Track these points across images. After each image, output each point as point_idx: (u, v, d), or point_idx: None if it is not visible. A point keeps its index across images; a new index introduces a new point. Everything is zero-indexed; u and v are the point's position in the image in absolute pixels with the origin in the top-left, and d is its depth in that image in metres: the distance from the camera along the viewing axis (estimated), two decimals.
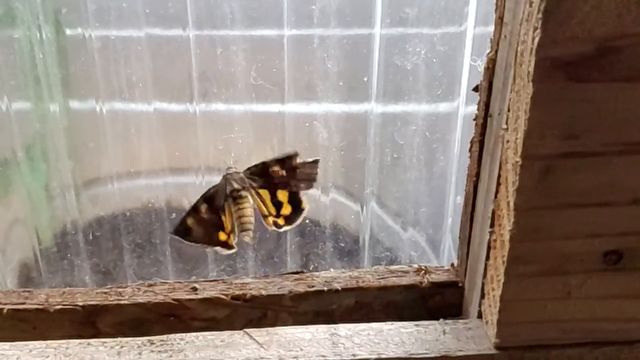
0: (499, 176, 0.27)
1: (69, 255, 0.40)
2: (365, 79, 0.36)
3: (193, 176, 0.38)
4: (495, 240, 0.28)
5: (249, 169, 0.35)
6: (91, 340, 0.30)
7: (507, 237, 0.26)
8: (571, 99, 0.23)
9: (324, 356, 0.28)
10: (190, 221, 0.34)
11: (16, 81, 0.35)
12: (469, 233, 0.32)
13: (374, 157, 0.38)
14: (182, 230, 0.34)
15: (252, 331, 0.30)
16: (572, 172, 0.25)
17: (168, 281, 0.34)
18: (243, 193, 0.34)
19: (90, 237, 0.39)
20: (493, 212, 0.28)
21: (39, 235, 0.39)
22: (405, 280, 0.33)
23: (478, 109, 0.29)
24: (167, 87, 0.36)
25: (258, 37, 0.35)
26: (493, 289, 0.29)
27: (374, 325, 0.30)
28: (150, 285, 0.33)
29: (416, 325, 0.30)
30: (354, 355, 0.29)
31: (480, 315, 0.31)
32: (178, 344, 0.29)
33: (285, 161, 0.34)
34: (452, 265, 0.34)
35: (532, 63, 0.23)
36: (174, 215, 0.39)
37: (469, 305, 0.32)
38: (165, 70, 0.36)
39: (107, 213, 0.39)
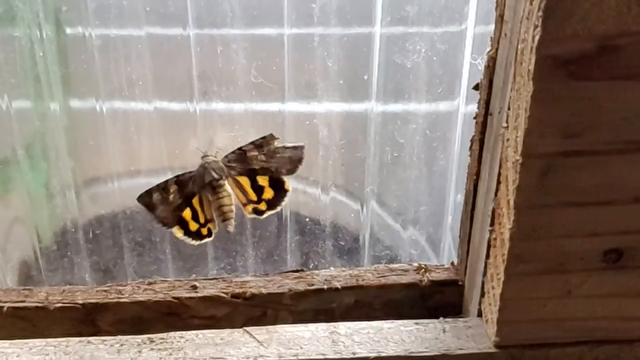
0: (499, 174, 0.27)
1: (69, 253, 0.40)
2: (366, 78, 0.36)
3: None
4: (495, 239, 0.28)
5: (226, 156, 0.34)
6: (91, 338, 0.30)
7: (507, 235, 0.26)
8: (571, 97, 0.23)
9: (323, 354, 0.29)
10: (156, 196, 0.33)
11: (16, 79, 0.35)
12: (469, 231, 0.32)
13: (374, 156, 0.38)
14: (146, 201, 0.33)
15: (252, 329, 0.30)
16: (573, 170, 0.25)
17: (168, 279, 0.34)
18: (222, 182, 0.34)
19: (90, 236, 0.39)
20: (493, 211, 0.28)
21: (39, 233, 0.39)
22: (405, 279, 0.33)
23: (478, 108, 0.29)
24: (168, 85, 0.36)
25: (258, 36, 0.35)
26: (493, 288, 0.29)
27: (374, 323, 0.30)
28: (150, 284, 0.33)
29: (416, 323, 0.30)
30: (353, 353, 0.29)
31: (480, 314, 0.31)
32: (178, 342, 0.29)
33: (263, 145, 0.34)
34: (452, 263, 0.34)
35: (533, 61, 0.23)
36: None
37: (469, 304, 0.32)
38: (166, 68, 0.36)
39: (107, 211, 0.39)
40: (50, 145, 0.37)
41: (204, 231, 0.34)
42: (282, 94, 0.36)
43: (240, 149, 0.34)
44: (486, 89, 0.28)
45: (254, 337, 0.30)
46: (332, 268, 0.35)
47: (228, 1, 0.34)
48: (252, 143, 0.34)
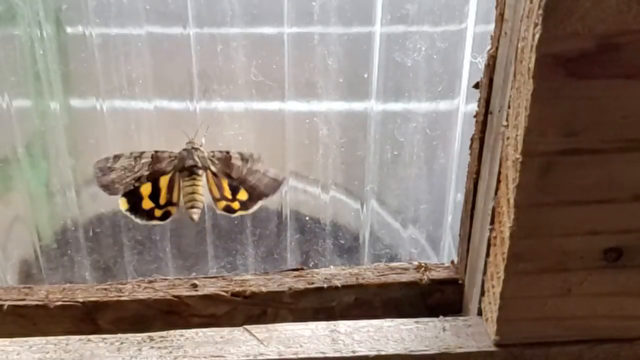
0: (499, 173, 0.27)
1: (69, 251, 0.40)
2: (366, 76, 0.36)
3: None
4: (495, 238, 0.28)
5: (212, 152, 0.34)
6: (91, 337, 0.30)
7: (507, 234, 0.26)
8: (571, 95, 0.23)
9: (323, 353, 0.29)
10: (122, 162, 0.33)
11: (16, 78, 0.35)
12: (469, 230, 0.32)
13: (374, 155, 0.38)
14: (104, 166, 0.33)
15: (252, 328, 0.30)
16: (573, 169, 0.25)
17: (168, 278, 0.34)
18: (200, 171, 0.33)
19: (91, 234, 0.39)
20: (493, 209, 0.28)
21: (39, 232, 0.39)
22: (405, 278, 0.33)
23: (478, 106, 0.29)
24: (168, 84, 0.36)
25: (258, 35, 0.35)
26: (493, 286, 0.29)
27: (374, 322, 0.30)
28: (150, 282, 0.33)
29: (416, 322, 0.30)
30: (353, 351, 0.29)
31: (480, 313, 0.31)
32: (178, 340, 0.29)
33: (248, 161, 0.34)
34: (452, 262, 0.34)
35: (533, 59, 0.23)
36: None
37: (469, 303, 0.32)
38: (166, 67, 0.36)
39: (108, 210, 0.39)
40: (51, 144, 0.37)
41: (158, 213, 0.34)
42: (282, 93, 0.36)
43: (227, 152, 0.34)
44: (486, 87, 0.28)
45: (254, 336, 0.30)
46: (332, 267, 0.35)
47: (228, 0, 0.34)
48: (240, 153, 0.34)
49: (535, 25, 0.22)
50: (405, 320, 0.31)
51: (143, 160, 0.33)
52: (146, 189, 0.33)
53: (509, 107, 0.26)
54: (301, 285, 0.33)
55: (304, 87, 0.36)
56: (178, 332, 0.30)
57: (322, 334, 0.30)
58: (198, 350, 0.29)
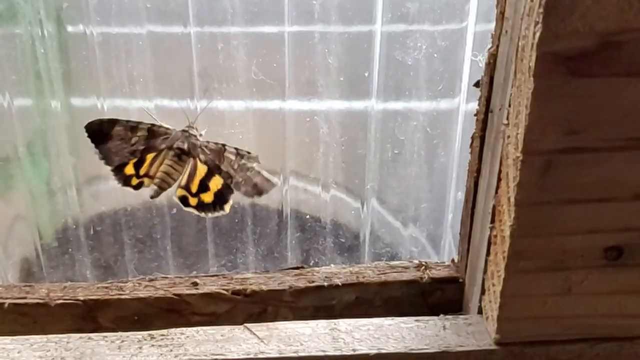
0: (500, 172, 0.27)
1: (70, 250, 0.40)
2: (366, 75, 0.36)
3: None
4: (495, 236, 0.28)
5: (207, 141, 0.34)
6: (92, 335, 0.30)
7: (507, 232, 0.26)
8: (572, 94, 0.23)
9: (324, 351, 0.29)
10: (117, 129, 0.33)
11: (17, 77, 0.35)
12: (469, 229, 0.32)
13: (375, 153, 0.38)
14: (98, 129, 0.33)
15: (252, 326, 0.30)
16: (573, 167, 0.25)
17: (169, 276, 0.34)
18: (184, 157, 0.33)
19: (91, 232, 0.39)
20: (494, 208, 0.28)
21: (40, 230, 0.39)
22: (405, 276, 0.33)
23: (479, 105, 0.29)
24: (168, 83, 0.36)
25: (259, 33, 0.35)
26: (493, 285, 0.29)
27: (374, 320, 0.30)
28: (151, 280, 0.33)
29: (416, 320, 0.30)
30: (354, 350, 0.29)
31: (480, 311, 0.31)
32: (178, 338, 0.29)
33: (243, 157, 0.33)
34: (453, 261, 0.34)
35: (533, 58, 0.23)
36: (174, 210, 0.39)
37: (469, 301, 0.32)
38: (167, 66, 0.36)
39: (108, 209, 0.39)
40: (52, 143, 0.37)
41: (135, 181, 0.34)
42: (282, 92, 0.36)
43: (223, 145, 0.34)
44: (487, 86, 0.28)
45: (255, 334, 0.30)
46: (332, 265, 0.35)
47: None
48: (236, 149, 0.34)
49: (536, 23, 0.22)
50: (405, 318, 0.31)
51: (139, 133, 0.33)
52: (134, 160, 0.34)
53: (509, 106, 0.26)
54: (302, 283, 0.33)
55: (304, 86, 0.36)
56: (179, 330, 0.30)
57: (322, 332, 0.30)
58: (199, 348, 0.29)
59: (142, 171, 0.34)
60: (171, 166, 0.33)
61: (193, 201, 0.34)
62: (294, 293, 0.33)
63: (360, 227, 0.40)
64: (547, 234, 0.26)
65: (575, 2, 0.22)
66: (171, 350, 0.29)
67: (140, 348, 0.29)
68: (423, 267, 0.34)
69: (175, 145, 0.33)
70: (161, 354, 0.28)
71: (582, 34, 0.22)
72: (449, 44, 0.35)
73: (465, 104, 0.36)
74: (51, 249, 0.39)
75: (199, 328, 0.30)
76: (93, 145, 0.34)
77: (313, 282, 0.33)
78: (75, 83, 0.36)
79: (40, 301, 0.32)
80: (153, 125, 0.34)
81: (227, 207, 0.34)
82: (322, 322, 0.30)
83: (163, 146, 0.33)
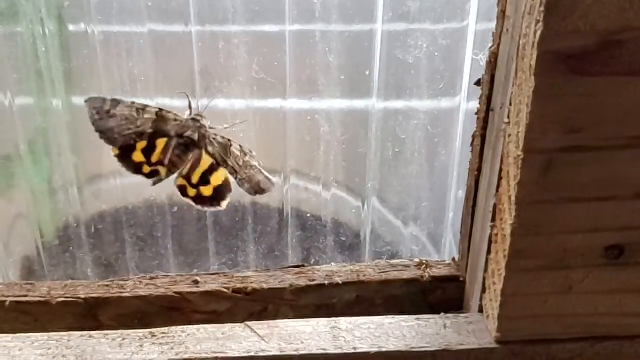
0: (501, 170, 0.27)
1: (71, 248, 0.40)
2: (367, 74, 0.36)
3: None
4: (496, 235, 0.28)
5: (215, 134, 0.33)
6: (93, 333, 0.30)
7: (508, 231, 0.26)
8: (573, 92, 0.23)
9: (324, 349, 0.29)
10: (121, 109, 0.32)
11: (19, 76, 0.35)
12: (470, 227, 0.32)
13: (376, 152, 0.38)
14: (101, 107, 0.32)
15: (253, 324, 0.30)
16: (574, 166, 0.25)
17: (170, 274, 0.34)
18: (192, 147, 0.33)
19: (93, 231, 0.39)
20: (494, 206, 0.28)
21: (41, 228, 0.39)
22: (406, 275, 0.33)
23: (480, 103, 0.29)
24: (169, 82, 0.36)
25: (260, 32, 0.35)
26: (494, 283, 0.29)
27: (375, 319, 0.30)
28: (152, 278, 0.33)
29: (417, 319, 0.30)
30: (354, 348, 0.29)
31: (481, 310, 0.31)
32: (179, 336, 0.29)
33: (247, 155, 0.33)
34: (454, 259, 0.34)
35: (534, 56, 0.23)
36: (175, 209, 0.39)
37: (470, 300, 0.32)
38: (168, 65, 0.36)
39: (109, 207, 0.39)
40: (53, 142, 0.37)
41: (147, 169, 0.33)
42: (283, 90, 0.36)
43: (229, 140, 0.34)
44: (488, 84, 0.28)
45: (255, 332, 0.30)
46: (333, 264, 0.35)
47: None
48: (240, 146, 0.34)
49: (537, 22, 0.22)
50: (406, 317, 0.31)
51: (146, 116, 0.32)
52: (142, 145, 0.33)
53: (510, 104, 0.26)
54: (302, 282, 0.33)
55: (305, 85, 0.36)
56: (179, 328, 0.30)
57: (323, 330, 0.30)
58: (199, 346, 0.29)
59: (155, 158, 0.33)
60: (179, 155, 0.33)
61: (191, 192, 0.33)
62: (294, 291, 0.33)
63: (361, 226, 0.40)
64: (548, 232, 0.26)
65: (577, 1, 0.22)
66: (172, 349, 0.29)
67: (141, 346, 0.29)
68: (424, 266, 0.34)
69: (186, 134, 0.33)
70: (162, 352, 0.28)
71: (583, 33, 0.22)
72: (450, 43, 0.35)
73: (466, 103, 0.36)
74: (52, 247, 0.40)
75: (199, 326, 0.30)
76: (92, 121, 0.32)
77: (314, 280, 0.33)
78: (77, 82, 0.36)
79: (42, 299, 0.32)
80: (161, 109, 0.33)
81: (224, 204, 0.34)
82: (323, 321, 0.30)
83: (172, 133, 0.33)
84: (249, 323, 0.30)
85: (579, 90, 0.23)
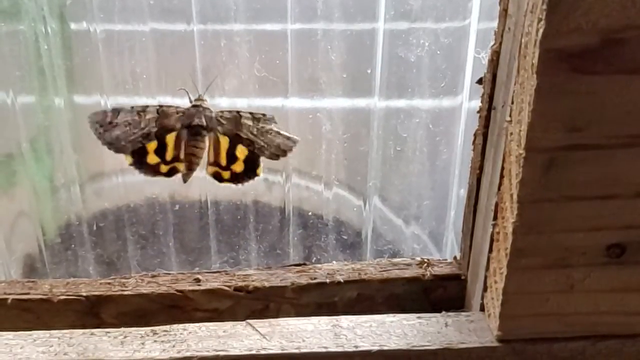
0: (503, 169, 0.27)
1: (73, 246, 0.40)
2: (369, 72, 0.36)
3: (197, 170, 0.38)
4: (498, 233, 0.28)
5: (221, 111, 0.33)
6: (94, 330, 0.30)
7: (510, 229, 0.26)
8: (575, 91, 0.23)
9: (326, 347, 0.29)
10: (122, 116, 0.32)
11: (21, 74, 0.35)
12: (472, 226, 0.32)
13: (377, 151, 0.38)
14: (103, 120, 0.31)
15: (254, 322, 0.30)
16: (576, 164, 0.25)
17: (171, 272, 0.34)
18: (204, 132, 0.32)
19: (94, 229, 0.39)
20: (496, 205, 0.28)
21: (43, 226, 0.39)
22: (407, 273, 0.33)
23: (482, 102, 0.29)
24: (171, 80, 0.36)
25: (262, 31, 0.35)
26: (496, 282, 0.29)
27: (376, 317, 0.30)
28: (153, 276, 0.33)
29: (418, 317, 0.30)
30: (356, 346, 0.29)
31: (482, 308, 0.31)
32: (181, 334, 0.29)
33: (260, 120, 0.33)
34: (455, 258, 0.34)
35: (536, 55, 0.23)
36: (177, 207, 0.39)
37: (472, 298, 0.32)
38: (170, 63, 0.36)
39: (111, 205, 0.39)
40: (55, 140, 0.37)
41: (164, 168, 0.33)
42: (285, 89, 0.36)
43: (238, 111, 0.33)
44: (490, 83, 0.28)
45: (257, 330, 0.30)
46: (334, 262, 0.35)
47: None
48: (251, 113, 0.33)
49: (539, 20, 0.22)
50: (407, 315, 0.31)
51: (148, 116, 0.32)
52: (153, 145, 0.32)
53: (512, 103, 0.26)
54: (304, 280, 0.33)
55: (307, 83, 0.36)
56: (181, 326, 0.30)
57: (324, 328, 0.30)
58: (201, 344, 0.29)
59: (169, 156, 0.33)
60: (193, 146, 0.32)
61: (226, 174, 0.33)
62: (296, 290, 0.33)
63: (363, 225, 0.40)
64: (550, 231, 0.26)
65: None
66: (173, 346, 0.29)
67: (143, 344, 0.29)
68: (425, 264, 0.34)
69: (192, 124, 0.32)
70: (164, 350, 0.29)
71: (585, 31, 0.22)
72: (452, 41, 0.35)
73: (468, 101, 0.36)
74: (54, 245, 0.40)
75: (201, 324, 0.30)
76: (97, 135, 0.32)
77: (315, 278, 0.33)
78: (79, 80, 0.36)
79: (43, 297, 0.32)
80: (161, 106, 0.33)
81: (259, 171, 0.33)
82: (324, 319, 0.30)
83: (179, 125, 0.32)
84: (250, 321, 0.30)
85: (580, 88, 0.23)
